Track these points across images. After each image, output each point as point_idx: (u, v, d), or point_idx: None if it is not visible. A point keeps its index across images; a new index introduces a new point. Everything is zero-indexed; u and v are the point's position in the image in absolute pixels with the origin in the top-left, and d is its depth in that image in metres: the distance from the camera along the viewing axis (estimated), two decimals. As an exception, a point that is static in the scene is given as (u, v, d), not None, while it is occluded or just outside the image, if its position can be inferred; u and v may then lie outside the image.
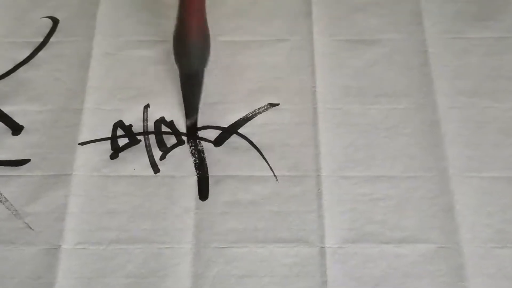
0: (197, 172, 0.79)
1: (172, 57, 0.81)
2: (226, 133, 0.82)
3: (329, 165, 0.79)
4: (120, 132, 0.83)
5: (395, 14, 0.90)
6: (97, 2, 0.93)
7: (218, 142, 0.82)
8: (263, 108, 0.84)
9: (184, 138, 0.82)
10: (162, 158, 0.81)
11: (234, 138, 0.82)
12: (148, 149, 0.81)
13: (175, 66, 0.82)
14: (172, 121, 0.84)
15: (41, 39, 0.91)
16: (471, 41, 0.87)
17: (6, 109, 0.85)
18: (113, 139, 0.82)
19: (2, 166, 0.80)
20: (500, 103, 0.82)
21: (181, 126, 0.83)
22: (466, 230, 0.73)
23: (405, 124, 0.81)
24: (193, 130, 0.81)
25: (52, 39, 0.91)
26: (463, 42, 0.87)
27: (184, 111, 0.82)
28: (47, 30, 0.92)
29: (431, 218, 0.74)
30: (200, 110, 0.84)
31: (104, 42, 0.90)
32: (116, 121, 0.83)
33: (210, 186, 0.78)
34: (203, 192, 0.78)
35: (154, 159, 0.81)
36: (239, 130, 0.82)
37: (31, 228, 0.76)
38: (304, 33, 0.89)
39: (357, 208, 0.75)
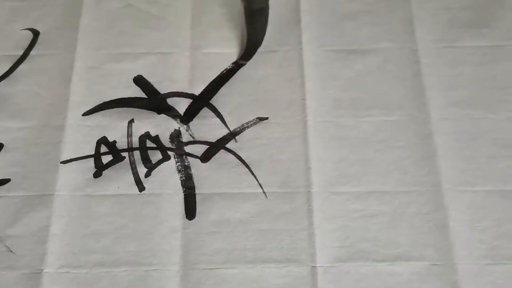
0: (184, 189, 0.81)
1: None
2: (214, 148, 0.83)
3: (320, 180, 0.80)
4: (104, 149, 0.84)
5: (387, 23, 0.91)
6: (80, 13, 0.94)
7: (205, 157, 0.83)
8: (252, 122, 0.85)
9: (170, 153, 0.84)
10: (147, 175, 0.82)
11: (222, 153, 0.83)
12: (133, 166, 0.82)
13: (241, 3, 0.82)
14: (157, 136, 0.85)
15: (21, 52, 0.92)
16: (465, 50, 0.89)
17: (-15, 126, 0.88)
18: (97, 156, 0.83)
19: (-19, 187, 0.83)
20: (494, 114, 0.84)
21: (167, 141, 0.85)
22: (460, 247, 0.75)
23: (398, 137, 0.83)
24: None
25: (32, 52, 0.92)
26: (457, 51, 0.89)
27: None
28: (27, 43, 0.93)
29: (424, 235, 0.75)
30: (187, 125, 0.85)
31: (87, 55, 0.91)
32: (99, 137, 0.84)
33: (197, 204, 0.79)
34: (190, 211, 0.79)
35: (139, 176, 0.82)
36: (227, 145, 0.83)
37: (12, 251, 0.76)
38: (294, 43, 0.90)
39: (349, 225, 0.77)
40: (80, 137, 0.84)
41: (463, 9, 0.92)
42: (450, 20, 0.91)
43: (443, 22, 0.91)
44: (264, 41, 0.91)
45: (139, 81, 0.89)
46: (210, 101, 0.86)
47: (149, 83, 0.88)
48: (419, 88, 0.86)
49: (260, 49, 0.91)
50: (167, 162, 0.82)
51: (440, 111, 0.84)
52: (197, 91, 0.88)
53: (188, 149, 0.84)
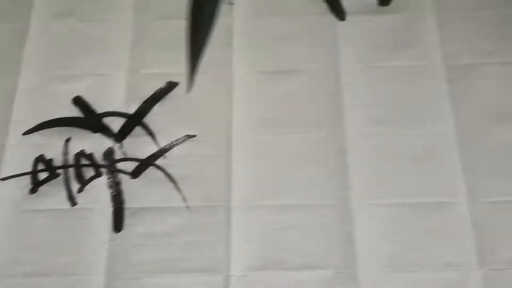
0: (114, 204, 0.86)
1: None
2: (144, 164, 0.89)
3: (241, 195, 0.85)
4: (41, 166, 0.89)
5: (315, 45, 0.97)
6: (25, 36, 0.99)
7: (135, 173, 0.88)
8: (181, 140, 0.91)
9: (103, 170, 0.89)
10: (79, 191, 0.87)
11: (151, 169, 0.89)
12: (67, 182, 0.88)
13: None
14: (91, 154, 0.90)
15: (-35, 74, 1.00)
16: (385, 70, 0.95)
17: None
18: (34, 173, 0.89)
19: None
20: (406, 131, 0.89)
21: (101, 158, 0.89)
22: (363, 256, 0.80)
23: (315, 154, 0.88)
24: None
25: (-22, 74, 1.00)
26: (377, 72, 0.95)
27: None
28: (-29, 64, 1.01)
29: (333, 245, 0.81)
30: (121, 143, 0.89)
31: (30, 77, 0.96)
32: (37, 155, 0.90)
33: (126, 218, 0.85)
34: (117, 224, 0.85)
35: (72, 192, 0.87)
36: (157, 162, 0.89)
37: None
38: (225, 65, 0.96)
39: (266, 236, 0.82)
40: (20, 155, 0.90)
41: (386, 31, 0.98)
42: (373, 41, 0.97)
43: (367, 43, 0.97)
44: (196, 62, 1.00)
45: (78, 101, 0.94)
46: (142, 120, 0.92)
47: (87, 103, 0.94)
48: (339, 107, 0.92)
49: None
50: (99, 178, 0.88)
51: (355, 129, 0.89)
52: (132, 110, 0.93)
53: (120, 165, 0.89)
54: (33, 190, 0.87)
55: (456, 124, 0.88)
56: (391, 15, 0.98)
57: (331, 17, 0.98)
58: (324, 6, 0.98)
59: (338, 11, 0.99)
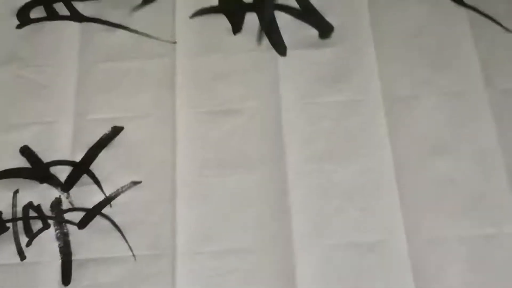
0: (61, 256, 0.88)
1: None
2: (90, 214, 0.90)
3: (185, 241, 0.87)
4: (-10, 219, 0.93)
5: (255, 82, 0.98)
6: None
7: (82, 224, 0.90)
8: (126, 187, 0.93)
9: (50, 221, 0.91)
10: (28, 244, 0.89)
11: (98, 219, 0.90)
12: (15, 235, 0.89)
13: None
14: (39, 205, 0.92)
15: None
16: (324, 105, 0.95)
17: None
18: (-16, 228, 0.93)
19: None
20: (345, 167, 0.89)
21: (48, 209, 0.91)
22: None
23: (257, 195, 0.89)
24: None
25: None
26: (317, 107, 0.95)
27: None
28: None
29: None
30: (68, 193, 0.89)
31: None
32: (-14, 209, 0.95)
33: (73, 269, 0.87)
34: (66, 277, 0.86)
35: (21, 246, 0.89)
36: (103, 210, 0.91)
37: None
38: (168, 107, 0.97)
39: (208, 283, 0.84)
40: (-32, 209, 0.94)
41: (326, 64, 0.98)
42: (313, 76, 0.97)
43: (307, 78, 0.97)
44: (140, 106, 0.97)
45: (25, 151, 0.95)
46: (89, 168, 0.94)
47: (34, 153, 0.95)
48: (279, 145, 0.93)
49: (136, 114, 0.96)
50: (47, 230, 0.90)
51: (296, 167, 0.90)
52: (78, 158, 0.94)
53: (67, 216, 0.91)
54: (-17, 245, 0.92)
55: (394, 158, 0.89)
56: (331, 47, 0.98)
57: (272, 53, 1.00)
58: (266, 43, 1.01)
59: (279, 45, 1.01)
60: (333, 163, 0.90)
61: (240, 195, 0.89)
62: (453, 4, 1.01)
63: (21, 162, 0.95)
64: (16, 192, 0.92)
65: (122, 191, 0.92)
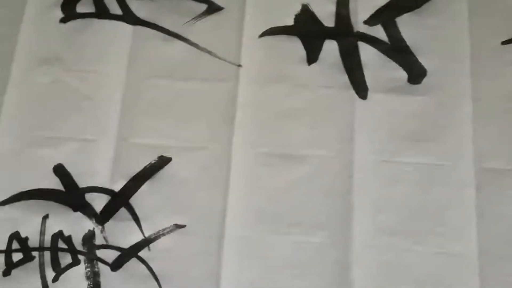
0: (91, 299, 0.82)
1: None
2: (126, 255, 0.81)
3: (230, 303, 0.80)
4: (15, 244, 0.81)
5: (326, 126, 0.85)
6: (4, 90, 0.88)
7: (116, 265, 0.81)
8: (168, 229, 0.82)
9: (81, 257, 0.82)
10: (54, 279, 0.80)
11: (133, 261, 0.81)
12: (42, 268, 0.81)
13: None
14: (70, 236, 0.83)
15: None
16: (404, 166, 0.82)
17: None
18: (8, 253, 0.81)
19: None
20: (421, 246, 0.78)
21: (79, 243, 0.83)
22: None
23: (315, 263, 0.79)
24: None
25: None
26: (395, 168, 0.83)
27: None
28: None
29: None
30: (103, 226, 0.81)
31: (7, 138, 0.86)
32: (12, 231, 0.82)
33: (101, 316, 0.81)
34: (92, 324, 0.81)
35: (46, 280, 0.80)
36: (140, 253, 0.81)
37: None
38: (224, 141, 0.85)
39: None
40: (-7, 230, 0.86)
41: (411, 116, 0.84)
42: (395, 128, 0.84)
43: (387, 130, 0.84)
44: (191, 135, 0.85)
45: (59, 171, 0.85)
46: (129, 200, 0.84)
47: (69, 174, 0.85)
48: (347, 207, 0.81)
49: (185, 144, 0.85)
50: (76, 266, 0.81)
51: (364, 237, 0.80)
52: (118, 186, 0.84)
53: (100, 253, 0.82)
54: (6, 273, 0.80)
55: (478, 243, 0.77)
56: (420, 96, 0.85)
57: (350, 93, 0.86)
58: (343, 79, 0.87)
59: (359, 85, 0.87)
60: (406, 240, 0.79)
61: (295, 259, 0.79)
62: None
63: (53, 182, 0.85)
64: (45, 217, 0.83)
65: (163, 234, 0.82)
